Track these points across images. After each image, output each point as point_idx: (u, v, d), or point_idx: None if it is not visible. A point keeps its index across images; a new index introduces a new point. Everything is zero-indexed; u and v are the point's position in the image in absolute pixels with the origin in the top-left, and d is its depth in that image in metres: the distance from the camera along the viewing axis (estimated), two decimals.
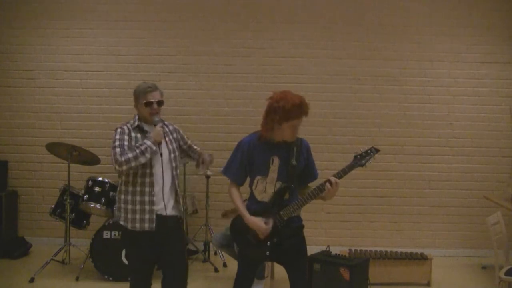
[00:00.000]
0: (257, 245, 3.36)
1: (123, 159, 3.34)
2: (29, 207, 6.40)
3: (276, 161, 3.34)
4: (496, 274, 4.41)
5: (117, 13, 6.33)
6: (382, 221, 6.37)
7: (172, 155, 3.58)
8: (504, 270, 4.42)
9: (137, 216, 3.47)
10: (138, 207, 3.46)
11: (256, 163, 3.36)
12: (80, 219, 5.52)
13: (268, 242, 3.33)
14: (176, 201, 3.62)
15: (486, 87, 6.33)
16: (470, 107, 6.34)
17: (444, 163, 6.35)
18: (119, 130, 3.50)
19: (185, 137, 3.81)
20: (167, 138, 3.59)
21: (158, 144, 3.48)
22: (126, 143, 3.43)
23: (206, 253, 5.82)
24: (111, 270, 5.03)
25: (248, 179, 3.46)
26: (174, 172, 3.58)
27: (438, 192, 6.36)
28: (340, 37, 6.32)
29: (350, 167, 3.29)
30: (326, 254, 4.46)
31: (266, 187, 3.36)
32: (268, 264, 4.75)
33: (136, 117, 3.59)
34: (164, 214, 3.52)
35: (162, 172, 3.49)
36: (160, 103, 3.55)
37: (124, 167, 3.36)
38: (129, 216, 3.49)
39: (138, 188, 3.46)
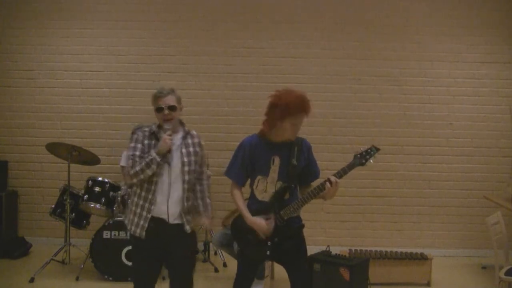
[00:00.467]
0: (257, 245, 3.36)
1: (132, 172, 3.35)
2: (29, 207, 6.40)
3: (277, 161, 3.35)
4: (496, 274, 4.40)
5: (117, 13, 6.33)
6: (382, 221, 6.37)
7: (186, 168, 3.42)
8: (504, 270, 4.42)
9: (136, 220, 3.45)
10: (138, 210, 3.44)
11: (257, 163, 3.37)
12: (80, 219, 5.52)
13: (269, 242, 3.34)
14: (186, 215, 3.47)
15: (486, 87, 6.34)
16: (470, 107, 6.34)
17: (444, 163, 6.35)
18: (134, 136, 3.45)
19: (204, 161, 3.62)
20: (184, 150, 3.45)
21: (166, 153, 3.36)
22: (138, 152, 3.39)
23: (206, 253, 5.82)
24: (111, 270, 5.02)
25: (249, 179, 3.46)
26: (186, 185, 3.43)
27: (438, 192, 6.36)
28: (340, 37, 6.32)
29: (350, 166, 3.28)
30: (326, 254, 4.46)
31: (266, 187, 3.36)
32: (268, 264, 4.75)
33: (157, 123, 3.50)
34: (166, 221, 3.43)
35: (170, 182, 3.40)
36: (172, 108, 3.40)
37: (135, 180, 3.37)
38: (131, 217, 3.48)
39: (142, 193, 3.43)
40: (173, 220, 3.45)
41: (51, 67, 6.35)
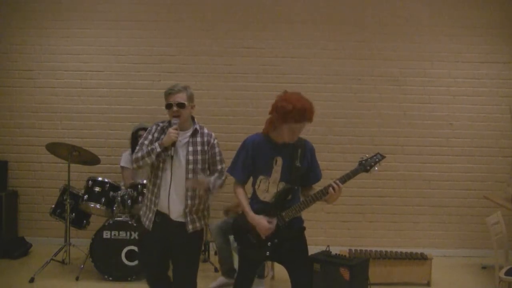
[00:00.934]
0: (257, 245, 3.36)
1: (134, 157, 3.53)
2: (29, 207, 6.40)
3: (279, 161, 3.35)
4: (496, 274, 4.40)
5: (117, 13, 6.33)
6: (382, 221, 6.37)
7: (191, 166, 3.49)
8: (504, 270, 4.41)
9: (147, 212, 3.59)
10: (148, 203, 3.59)
11: (259, 163, 3.37)
12: (80, 219, 5.52)
13: (269, 243, 3.34)
14: (191, 214, 3.53)
15: (486, 87, 6.34)
16: (470, 107, 6.34)
17: (444, 163, 6.35)
18: (149, 128, 3.63)
19: (218, 159, 3.61)
20: (190, 148, 3.51)
21: (170, 146, 3.43)
22: (146, 142, 3.54)
23: (206, 253, 5.82)
24: (111, 270, 5.03)
25: (251, 178, 3.46)
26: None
27: (438, 192, 6.36)
28: (340, 37, 6.32)
29: (354, 172, 3.26)
30: (326, 254, 4.45)
31: (268, 187, 3.36)
32: (268, 264, 4.75)
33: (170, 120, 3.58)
34: (169, 217, 3.52)
35: (172, 178, 3.48)
36: (180, 105, 3.47)
37: (135, 165, 3.56)
38: (144, 209, 3.64)
39: (151, 187, 3.57)
40: (175, 217, 3.52)
41: (51, 67, 6.35)
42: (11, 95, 6.37)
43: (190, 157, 3.50)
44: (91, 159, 5.55)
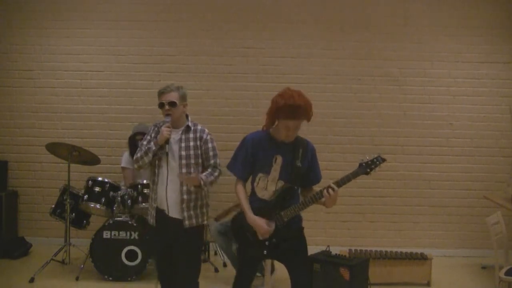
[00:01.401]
0: (255, 244, 3.36)
1: (135, 157, 3.68)
2: (29, 207, 6.40)
3: (279, 160, 3.34)
4: (496, 274, 4.40)
5: (117, 13, 6.33)
6: (382, 221, 6.37)
7: (184, 161, 3.60)
8: (504, 270, 4.41)
9: (150, 209, 3.74)
10: (150, 201, 3.74)
11: (259, 160, 3.36)
12: (80, 219, 5.52)
13: (267, 242, 3.34)
14: (188, 210, 3.60)
15: (486, 87, 6.34)
16: (470, 107, 6.34)
17: (444, 163, 6.35)
18: (149, 129, 3.77)
19: (211, 154, 3.69)
20: (183, 144, 3.62)
21: (164, 144, 3.54)
22: (145, 142, 3.66)
23: (206, 253, 5.82)
24: (111, 270, 5.03)
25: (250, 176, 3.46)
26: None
27: (438, 192, 6.36)
28: (340, 37, 6.32)
29: (354, 175, 3.22)
30: (326, 254, 4.46)
31: (267, 185, 3.36)
32: (267, 261, 4.74)
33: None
34: (167, 214, 3.63)
35: (167, 175, 3.60)
36: (172, 104, 3.58)
37: (136, 165, 3.69)
38: (149, 208, 3.78)
39: (151, 185, 3.72)
40: (172, 213, 3.61)
41: (51, 67, 6.35)
42: (11, 95, 6.37)
43: (183, 153, 3.60)
44: (91, 159, 5.55)
